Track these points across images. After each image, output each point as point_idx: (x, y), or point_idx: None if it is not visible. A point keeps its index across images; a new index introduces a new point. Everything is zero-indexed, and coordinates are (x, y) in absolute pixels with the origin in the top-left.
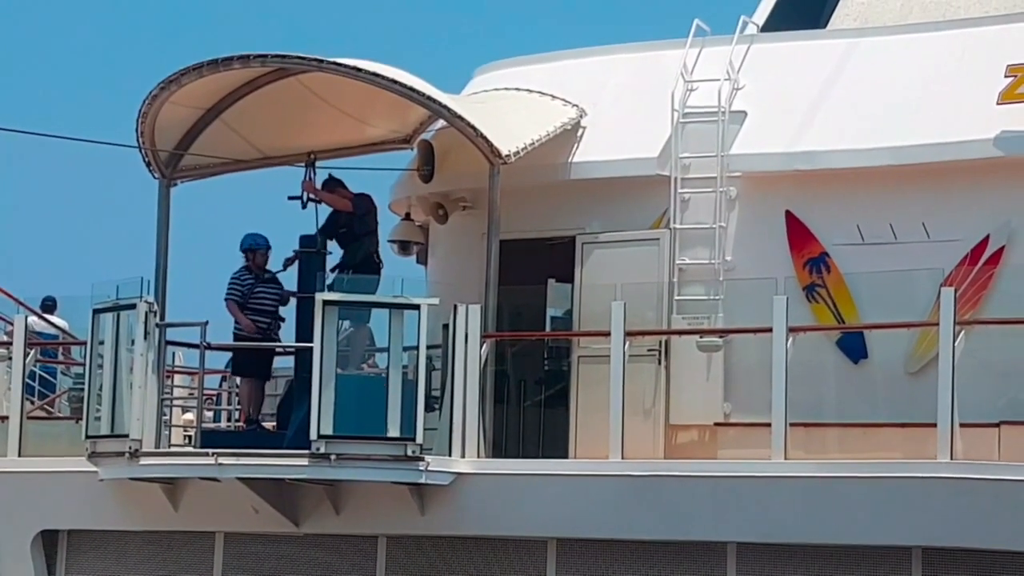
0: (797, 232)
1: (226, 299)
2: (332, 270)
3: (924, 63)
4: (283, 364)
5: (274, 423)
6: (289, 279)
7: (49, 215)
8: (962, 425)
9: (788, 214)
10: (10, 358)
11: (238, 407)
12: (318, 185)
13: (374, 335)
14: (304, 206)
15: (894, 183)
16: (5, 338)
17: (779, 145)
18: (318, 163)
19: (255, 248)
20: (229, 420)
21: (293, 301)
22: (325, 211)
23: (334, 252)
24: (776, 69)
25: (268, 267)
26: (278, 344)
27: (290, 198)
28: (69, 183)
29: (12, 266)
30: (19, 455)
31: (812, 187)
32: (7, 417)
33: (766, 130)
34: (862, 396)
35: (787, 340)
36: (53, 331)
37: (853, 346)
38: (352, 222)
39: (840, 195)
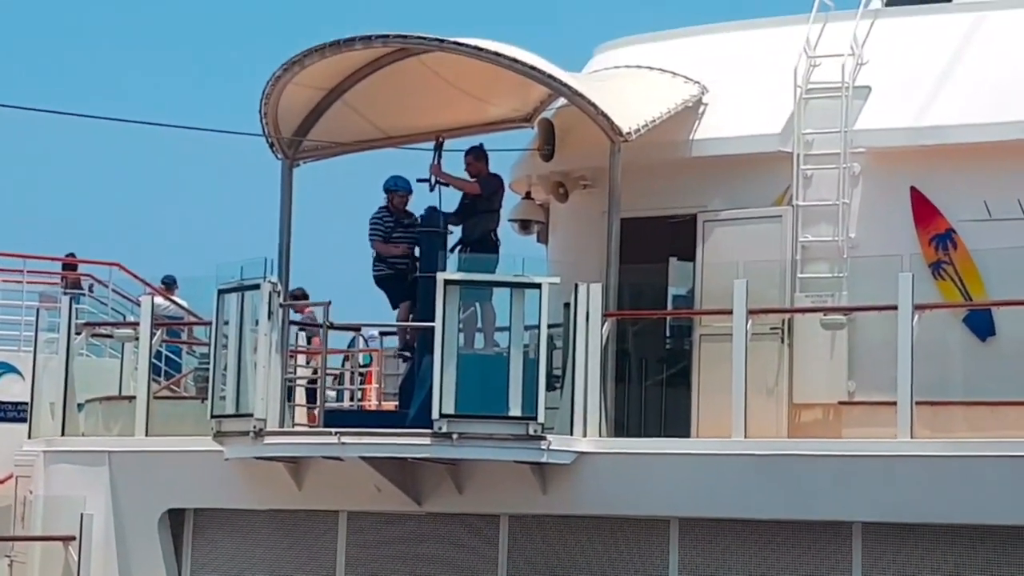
0: (922, 208)
1: (370, 239)
2: (451, 248)
3: None
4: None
5: (395, 403)
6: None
7: (175, 198)
8: None
9: (913, 190)
10: (137, 338)
11: (361, 387)
12: (465, 156)
13: (496, 314)
14: (432, 188)
15: (1022, 157)
16: (132, 319)
17: (904, 120)
18: (444, 144)
19: (395, 190)
20: (351, 400)
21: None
22: (448, 194)
23: (455, 232)
24: (901, 44)
25: (408, 209)
26: (401, 324)
27: (418, 180)
28: (195, 165)
29: (140, 249)
30: (146, 434)
31: (937, 162)
32: (134, 397)
33: (890, 105)
34: (990, 374)
35: (913, 318)
36: (176, 310)
37: (981, 323)
38: (475, 200)
39: (966, 170)
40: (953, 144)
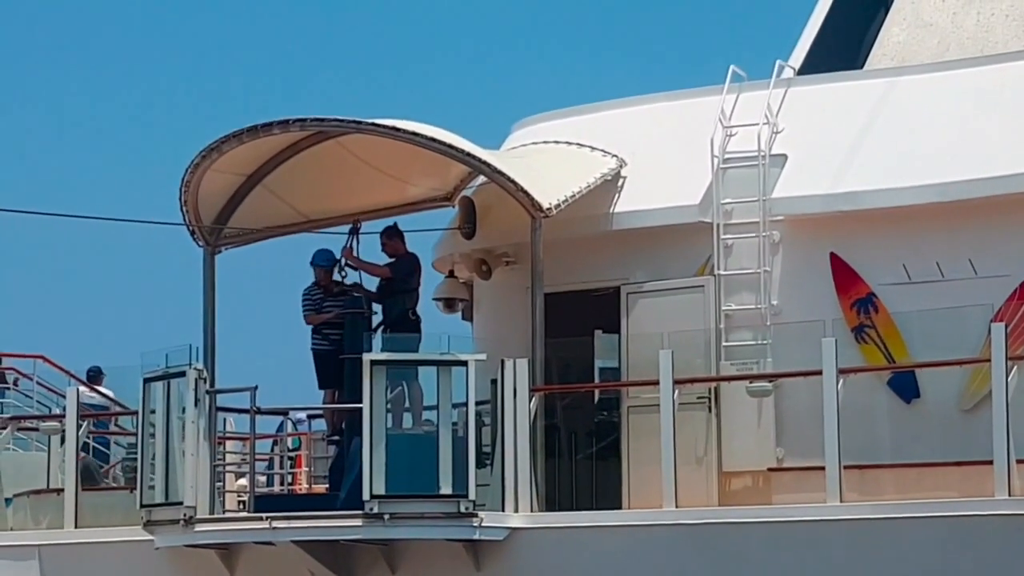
0: (843, 273)
1: (304, 315)
2: (374, 329)
3: (964, 99)
4: None
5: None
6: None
7: (97, 288)
8: (1019, 461)
9: (833, 256)
10: (63, 430)
11: (291, 471)
12: (380, 236)
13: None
14: (342, 272)
15: (939, 220)
16: (58, 411)
17: (821, 187)
18: (362, 227)
19: (318, 265)
20: (282, 484)
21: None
22: (367, 276)
23: (379, 312)
24: (815, 111)
25: (335, 280)
26: (328, 407)
27: (332, 262)
28: (115, 254)
29: (63, 341)
30: (75, 527)
31: (856, 228)
32: (63, 490)
33: (807, 172)
34: (916, 436)
35: (837, 382)
36: (102, 401)
37: (905, 386)
38: (390, 280)
39: (884, 235)
40: (870, 209)
